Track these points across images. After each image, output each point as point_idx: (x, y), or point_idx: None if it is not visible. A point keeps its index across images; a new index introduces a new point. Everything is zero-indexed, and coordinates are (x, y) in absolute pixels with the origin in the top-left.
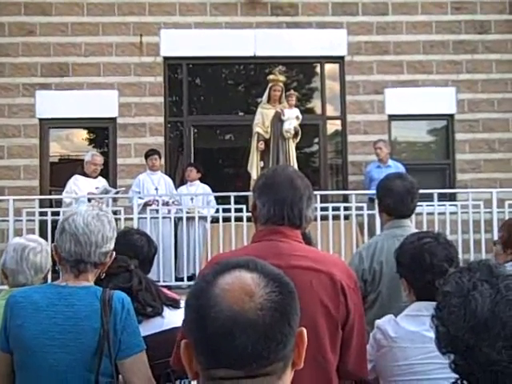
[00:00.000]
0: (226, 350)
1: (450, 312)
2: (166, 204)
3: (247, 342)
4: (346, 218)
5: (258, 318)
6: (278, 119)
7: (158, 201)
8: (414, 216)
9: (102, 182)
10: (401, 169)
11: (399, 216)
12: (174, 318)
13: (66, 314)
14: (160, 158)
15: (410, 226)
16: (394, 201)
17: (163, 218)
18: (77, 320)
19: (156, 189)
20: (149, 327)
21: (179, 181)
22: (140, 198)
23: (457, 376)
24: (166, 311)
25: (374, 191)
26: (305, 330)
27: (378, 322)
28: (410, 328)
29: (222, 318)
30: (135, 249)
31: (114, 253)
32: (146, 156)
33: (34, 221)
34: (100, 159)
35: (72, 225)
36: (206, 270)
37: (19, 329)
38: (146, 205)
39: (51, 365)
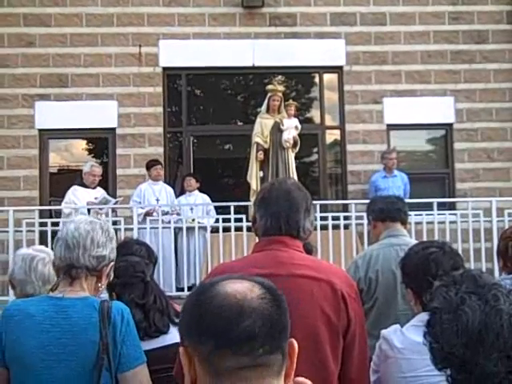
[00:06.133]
0: (234, 331)
1: (442, 329)
2: (165, 214)
3: (254, 325)
4: (346, 227)
5: (260, 305)
6: (277, 129)
7: (162, 211)
8: (413, 225)
9: (100, 193)
10: (405, 179)
11: (392, 218)
12: (178, 333)
13: (64, 327)
14: (162, 167)
15: (406, 235)
16: (384, 202)
17: (163, 228)
18: (74, 333)
19: (157, 199)
20: (153, 343)
21: (178, 191)
22: (140, 207)
23: None
24: (172, 328)
25: None
26: (295, 342)
27: (383, 332)
28: (417, 339)
29: (228, 304)
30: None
31: (113, 263)
32: (149, 166)
33: (33, 231)
34: (99, 170)
35: (64, 231)
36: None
37: (15, 343)
38: (146, 214)
39: (48, 380)
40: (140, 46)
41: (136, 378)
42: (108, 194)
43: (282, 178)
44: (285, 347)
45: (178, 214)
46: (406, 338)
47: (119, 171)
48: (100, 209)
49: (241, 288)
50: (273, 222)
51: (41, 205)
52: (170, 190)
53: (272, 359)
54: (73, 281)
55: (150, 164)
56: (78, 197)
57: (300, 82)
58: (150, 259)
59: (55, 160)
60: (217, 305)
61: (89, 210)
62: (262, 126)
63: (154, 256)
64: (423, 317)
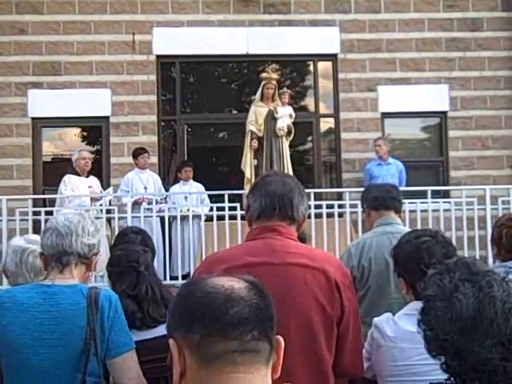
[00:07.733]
0: (225, 316)
1: (436, 316)
2: (157, 203)
3: (242, 311)
4: (340, 215)
5: (248, 295)
6: (271, 117)
7: (148, 199)
8: (407, 213)
9: (93, 181)
10: (400, 166)
11: (386, 207)
12: None
13: (52, 313)
14: (149, 156)
15: (399, 224)
16: (379, 191)
17: (157, 216)
18: (62, 319)
19: (145, 188)
20: (150, 333)
21: (172, 179)
22: (132, 196)
23: None
24: None
25: None
26: (282, 339)
27: (375, 320)
28: (409, 328)
29: (217, 292)
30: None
31: (100, 253)
32: (137, 154)
33: (27, 220)
34: (88, 154)
35: (54, 222)
36: (200, 268)
37: (4, 329)
38: (135, 203)
39: (36, 365)
40: (133, 33)
41: (125, 364)
42: (101, 182)
43: (274, 170)
44: (272, 338)
45: (166, 202)
46: (398, 326)
47: (113, 160)
48: (99, 199)
49: (228, 280)
50: (267, 202)
51: (34, 194)
52: (156, 177)
53: (261, 345)
54: (63, 268)
55: (137, 152)
56: (73, 185)
57: (294, 70)
58: (146, 248)
59: (48, 149)
60: (206, 293)
61: (92, 199)
62: (256, 114)
63: (151, 244)
64: (415, 305)
